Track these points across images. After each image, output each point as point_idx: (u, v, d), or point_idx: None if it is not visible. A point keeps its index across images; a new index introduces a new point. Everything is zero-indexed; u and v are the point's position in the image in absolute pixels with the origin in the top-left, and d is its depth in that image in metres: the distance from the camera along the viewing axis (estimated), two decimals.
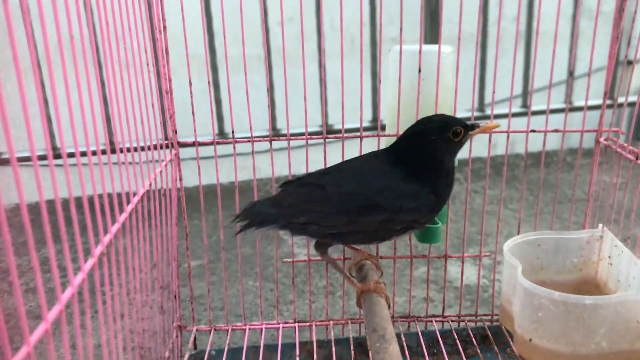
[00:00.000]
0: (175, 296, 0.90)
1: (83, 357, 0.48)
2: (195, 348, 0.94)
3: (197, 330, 0.95)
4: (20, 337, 1.19)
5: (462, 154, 0.94)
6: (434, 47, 0.82)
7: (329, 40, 1.97)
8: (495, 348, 0.89)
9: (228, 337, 0.94)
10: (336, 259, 0.97)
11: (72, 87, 0.45)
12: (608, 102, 0.89)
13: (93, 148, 0.50)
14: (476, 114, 1.89)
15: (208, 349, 0.91)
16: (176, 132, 0.87)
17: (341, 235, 0.72)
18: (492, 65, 0.86)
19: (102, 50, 0.59)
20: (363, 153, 0.80)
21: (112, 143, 0.57)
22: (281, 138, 0.89)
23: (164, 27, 0.81)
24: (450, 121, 0.70)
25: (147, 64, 0.72)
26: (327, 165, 0.88)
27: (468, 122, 0.71)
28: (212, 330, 0.95)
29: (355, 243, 0.78)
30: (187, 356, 0.89)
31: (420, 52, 0.81)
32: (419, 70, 0.82)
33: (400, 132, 0.86)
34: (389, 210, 0.69)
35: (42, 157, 1.29)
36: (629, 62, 0.84)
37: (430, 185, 0.70)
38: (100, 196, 0.52)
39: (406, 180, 0.69)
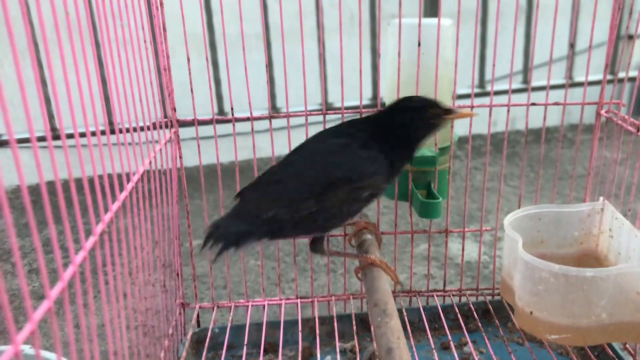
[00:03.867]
0: (177, 274, 0.90)
1: (87, 335, 0.48)
2: (198, 325, 0.95)
3: (200, 307, 0.96)
4: (24, 318, 1.20)
5: (463, 130, 0.94)
6: (434, 20, 0.81)
7: (327, 17, 1.95)
8: (497, 322, 0.89)
9: (231, 313, 0.94)
10: (336, 235, 0.98)
11: (70, 67, 0.45)
12: (609, 76, 0.88)
13: (92, 128, 0.50)
14: (476, 90, 1.88)
15: (211, 325, 0.92)
16: (175, 110, 0.87)
17: (315, 221, 0.72)
18: (492, 41, 0.85)
19: (99, 28, 0.58)
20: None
21: (111, 123, 0.57)
22: (281, 115, 0.89)
23: (161, 4, 0.81)
24: (429, 103, 0.72)
25: (145, 42, 0.72)
26: None
27: (446, 107, 0.72)
28: (215, 308, 0.96)
29: (333, 226, 0.77)
30: (190, 333, 0.90)
31: (419, 25, 0.80)
32: (419, 44, 0.81)
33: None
34: (351, 180, 0.70)
35: (41, 139, 1.29)
36: (630, 37, 0.83)
37: (387, 154, 0.71)
38: (101, 176, 0.52)
39: (364, 147, 0.71)
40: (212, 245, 0.73)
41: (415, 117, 0.71)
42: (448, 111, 0.72)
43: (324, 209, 0.71)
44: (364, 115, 0.79)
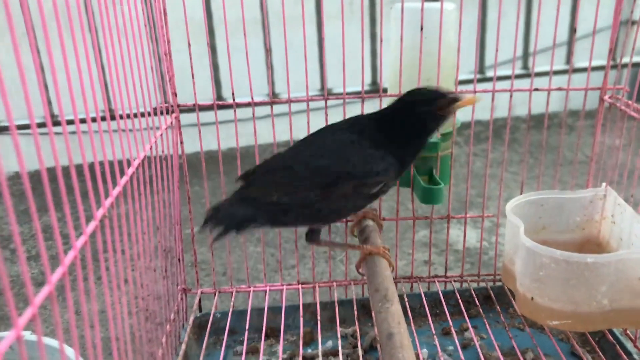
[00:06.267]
0: (179, 260, 0.90)
1: (88, 321, 0.48)
2: (200, 310, 0.95)
3: (201, 292, 0.96)
4: (24, 304, 1.19)
5: (465, 116, 0.94)
6: (436, 4, 0.80)
7: (326, 2, 1.94)
8: (498, 308, 0.90)
9: (232, 299, 0.94)
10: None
11: (69, 53, 0.44)
12: (611, 62, 0.88)
13: (92, 115, 0.50)
14: (477, 76, 1.88)
15: (213, 311, 0.92)
16: (176, 95, 0.86)
17: (318, 212, 0.72)
18: (492, 26, 0.84)
19: (97, 13, 0.57)
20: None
21: (111, 109, 0.56)
22: (282, 100, 0.88)
23: None
24: (436, 95, 0.71)
25: (145, 26, 0.71)
26: None
27: (452, 95, 0.71)
28: (217, 293, 0.96)
29: (335, 219, 0.79)
30: (192, 318, 0.90)
31: (422, 9, 0.80)
32: (421, 29, 0.81)
33: (403, 93, 0.85)
34: (359, 176, 0.70)
35: (40, 125, 1.28)
36: (633, 22, 0.82)
37: (395, 152, 0.71)
38: (101, 162, 0.52)
39: (372, 147, 0.71)
40: (212, 227, 0.73)
41: (423, 111, 0.70)
42: (454, 100, 0.70)
43: (327, 201, 0.71)
44: (370, 112, 0.78)
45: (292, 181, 0.72)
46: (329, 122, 0.87)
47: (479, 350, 0.80)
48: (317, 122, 0.91)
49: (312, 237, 0.79)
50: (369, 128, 0.72)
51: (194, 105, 0.87)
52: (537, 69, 0.95)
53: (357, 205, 0.75)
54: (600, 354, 0.81)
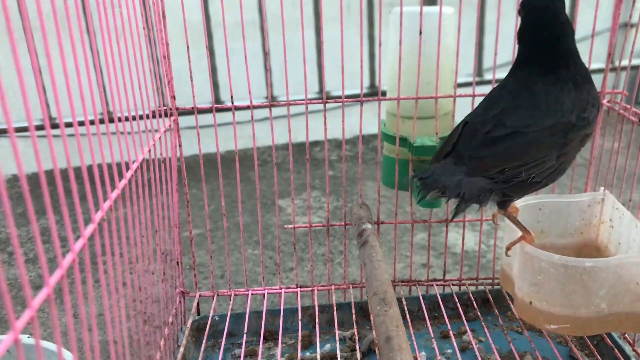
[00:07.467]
0: (177, 262, 0.90)
1: (86, 324, 0.48)
2: (198, 313, 0.95)
3: (200, 295, 0.96)
4: (22, 307, 1.19)
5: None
6: (435, 8, 0.80)
7: (325, 5, 1.94)
8: (496, 311, 0.90)
9: (231, 302, 0.94)
10: (335, 225, 0.97)
11: (67, 55, 0.44)
12: (610, 65, 0.88)
13: (90, 118, 0.50)
14: (475, 79, 1.88)
15: (211, 314, 0.91)
16: (175, 98, 0.86)
17: (554, 170, 0.67)
18: (490, 29, 0.84)
19: (96, 15, 0.57)
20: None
21: (109, 112, 0.56)
22: (281, 103, 0.88)
23: None
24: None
25: (144, 29, 0.71)
26: (326, 130, 0.88)
27: None
28: (215, 296, 0.96)
29: (560, 175, 0.70)
30: (190, 321, 0.90)
31: (421, 13, 0.80)
32: (420, 33, 0.81)
33: (402, 96, 0.85)
34: (582, 126, 0.66)
35: (38, 128, 1.28)
36: (632, 25, 0.83)
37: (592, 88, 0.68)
38: (99, 165, 0.52)
39: (575, 87, 0.67)
40: (448, 199, 0.66)
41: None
42: None
43: (564, 156, 0.66)
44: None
45: (528, 147, 0.65)
46: (327, 126, 0.87)
47: (477, 353, 0.80)
48: (316, 125, 0.91)
49: (506, 204, 0.72)
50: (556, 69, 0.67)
51: (192, 108, 0.87)
52: None
53: (574, 156, 0.70)
54: (599, 357, 0.81)
